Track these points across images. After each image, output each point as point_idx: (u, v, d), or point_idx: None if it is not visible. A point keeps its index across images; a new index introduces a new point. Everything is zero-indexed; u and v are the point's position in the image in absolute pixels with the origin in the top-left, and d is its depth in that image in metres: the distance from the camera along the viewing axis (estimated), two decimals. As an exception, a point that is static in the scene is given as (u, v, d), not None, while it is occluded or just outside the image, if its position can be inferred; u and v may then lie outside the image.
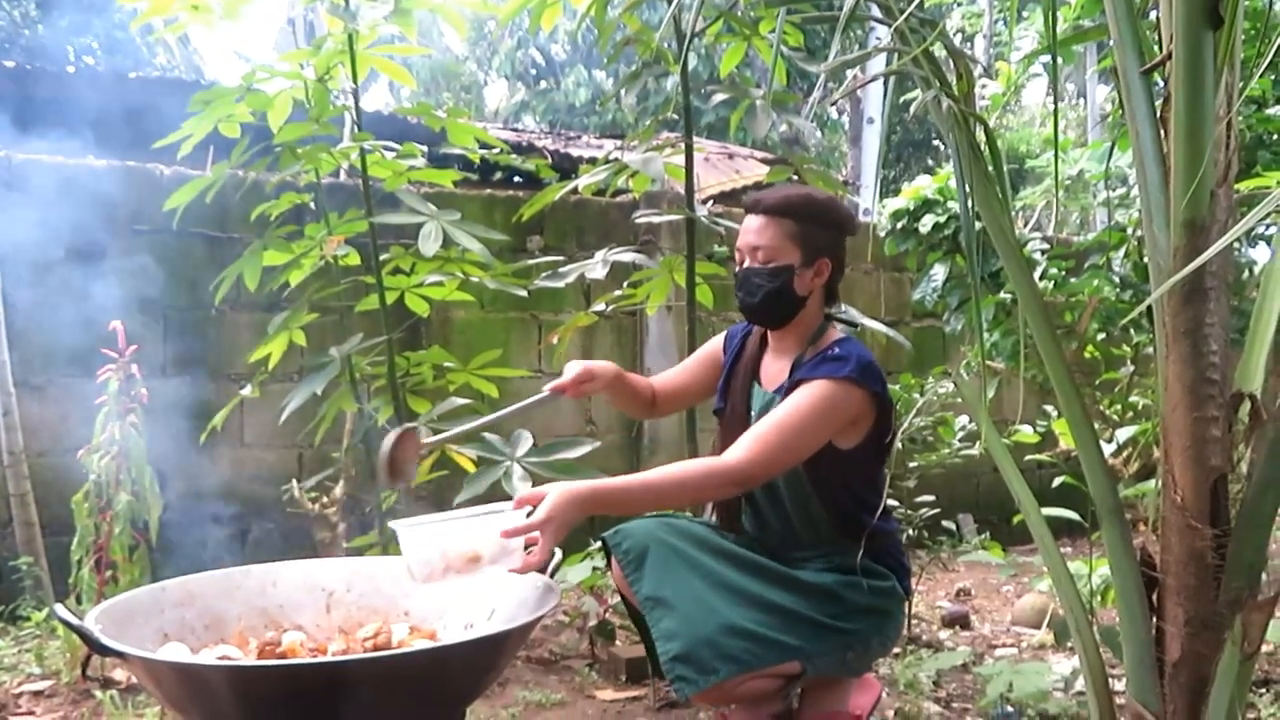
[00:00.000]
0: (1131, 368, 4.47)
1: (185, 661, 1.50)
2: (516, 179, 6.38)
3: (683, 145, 3.08)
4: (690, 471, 1.88)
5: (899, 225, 4.41)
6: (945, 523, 3.36)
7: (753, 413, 2.12)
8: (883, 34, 1.68)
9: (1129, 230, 4.17)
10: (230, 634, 1.85)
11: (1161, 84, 1.45)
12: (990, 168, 1.60)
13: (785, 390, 2.02)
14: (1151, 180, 1.43)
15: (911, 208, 4.37)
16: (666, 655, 1.86)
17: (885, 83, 1.55)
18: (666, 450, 4.56)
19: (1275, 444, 1.28)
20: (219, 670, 1.45)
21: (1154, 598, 1.41)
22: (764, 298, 2.03)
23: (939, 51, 1.62)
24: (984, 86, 4.86)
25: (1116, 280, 4.11)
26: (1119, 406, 4.44)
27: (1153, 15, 1.61)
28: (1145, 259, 4.33)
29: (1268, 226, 4.59)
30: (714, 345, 2.34)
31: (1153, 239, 1.41)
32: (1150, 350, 4.28)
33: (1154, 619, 1.41)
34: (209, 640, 1.83)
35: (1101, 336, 4.27)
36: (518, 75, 13.46)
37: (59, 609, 1.51)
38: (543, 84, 13.56)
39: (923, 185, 4.35)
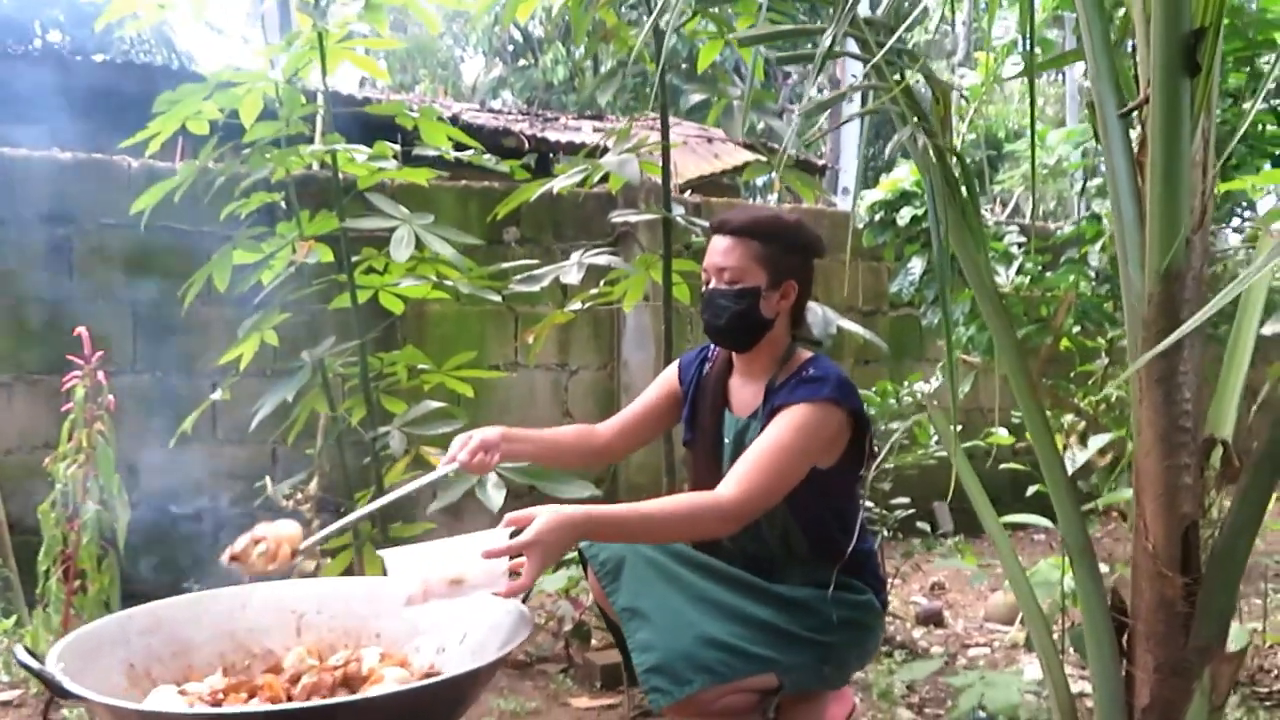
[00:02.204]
0: (1106, 360, 4.49)
1: (154, 710, 1.47)
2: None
3: (660, 134, 3.05)
4: (687, 506, 1.83)
5: (877, 217, 4.39)
6: (920, 524, 3.36)
7: (726, 440, 2.11)
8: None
9: (1105, 223, 4.17)
10: (197, 662, 1.83)
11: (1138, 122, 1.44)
12: (964, 193, 1.58)
13: (763, 416, 2.00)
14: (1127, 217, 1.42)
15: (890, 199, 4.35)
16: (642, 666, 1.87)
17: (861, 121, 1.53)
18: (649, 446, 4.54)
19: (1247, 493, 1.27)
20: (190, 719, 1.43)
21: (1124, 640, 1.42)
22: (729, 319, 2.01)
23: (913, 72, 1.60)
24: (962, 77, 4.83)
25: (1093, 274, 4.12)
26: (1092, 399, 4.47)
27: (1130, 44, 1.59)
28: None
29: (1245, 223, 4.61)
30: (668, 377, 2.31)
31: (1127, 279, 1.40)
32: (1124, 343, 4.33)
33: (1124, 662, 1.41)
34: (176, 668, 1.81)
35: (1077, 330, 4.29)
36: (495, 52, 13.31)
37: (19, 653, 1.48)
38: (521, 61, 13.41)
39: (901, 178, 4.33)
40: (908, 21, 1.39)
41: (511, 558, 1.63)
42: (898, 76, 1.40)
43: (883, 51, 1.35)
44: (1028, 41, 1.52)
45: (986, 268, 1.51)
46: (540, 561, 1.62)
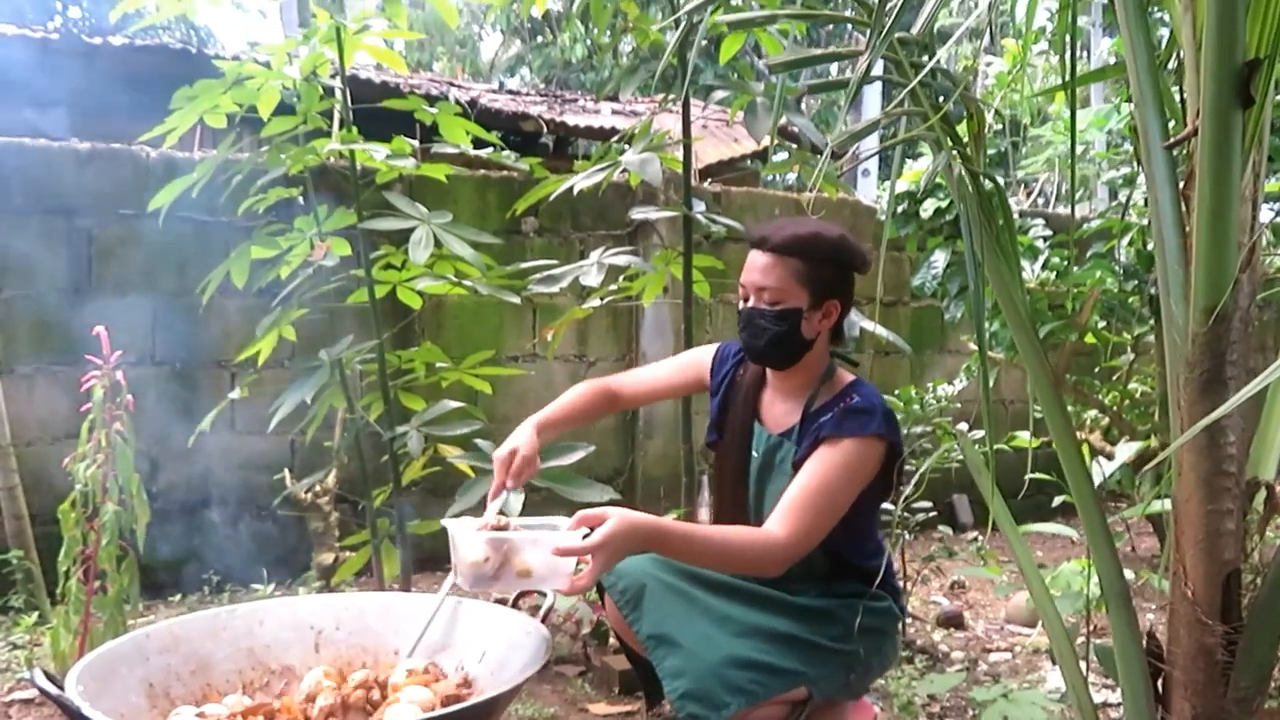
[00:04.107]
0: (1131, 356, 4.43)
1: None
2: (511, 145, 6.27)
3: (680, 121, 3.00)
4: (748, 540, 1.79)
5: (900, 209, 4.33)
6: (942, 527, 3.33)
7: (754, 452, 2.07)
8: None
9: (1132, 214, 4.10)
10: (216, 679, 1.82)
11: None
12: (1000, 220, 1.54)
13: (801, 440, 1.96)
14: (1170, 249, 1.37)
15: (913, 190, 4.29)
16: (675, 693, 1.84)
17: (893, 139, 1.48)
18: (662, 432, 4.52)
19: (1291, 540, 1.23)
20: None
21: (1159, 684, 1.38)
22: (769, 341, 1.96)
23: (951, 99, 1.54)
24: (989, 64, 4.75)
25: (1119, 270, 4.05)
26: (1115, 395, 4.41)
27: (1175, 64, 1.54)
28: (1149, 247, 4.28)
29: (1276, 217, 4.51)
30: (700, 359, 2.26)
31: (1169, 313, 1.35)
32: (1150, 338, 4.27)
33: (1160, 709, 1.38)
34: (195, 687, 1.80)
35: (1102, 325, 4.23)
36: (513, 29, 13.22)
37: (38, 678, 1.47)
38: (539, 38, 13.31)
39: (924, 169, 4.26)
40: (945, 46, 1.34)
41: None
42: (921, 83, 1.35)
43: (920, 76, 1.30)
44: (1068, 48, 1.47)
45: (1021, 298, 1.47)
46: (605, 564, 1.62)
